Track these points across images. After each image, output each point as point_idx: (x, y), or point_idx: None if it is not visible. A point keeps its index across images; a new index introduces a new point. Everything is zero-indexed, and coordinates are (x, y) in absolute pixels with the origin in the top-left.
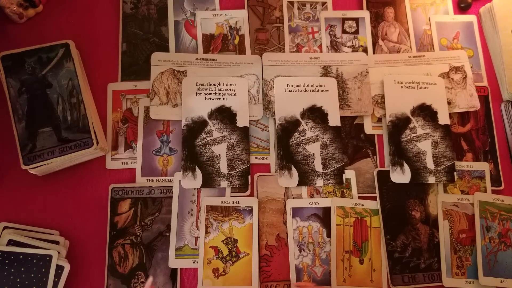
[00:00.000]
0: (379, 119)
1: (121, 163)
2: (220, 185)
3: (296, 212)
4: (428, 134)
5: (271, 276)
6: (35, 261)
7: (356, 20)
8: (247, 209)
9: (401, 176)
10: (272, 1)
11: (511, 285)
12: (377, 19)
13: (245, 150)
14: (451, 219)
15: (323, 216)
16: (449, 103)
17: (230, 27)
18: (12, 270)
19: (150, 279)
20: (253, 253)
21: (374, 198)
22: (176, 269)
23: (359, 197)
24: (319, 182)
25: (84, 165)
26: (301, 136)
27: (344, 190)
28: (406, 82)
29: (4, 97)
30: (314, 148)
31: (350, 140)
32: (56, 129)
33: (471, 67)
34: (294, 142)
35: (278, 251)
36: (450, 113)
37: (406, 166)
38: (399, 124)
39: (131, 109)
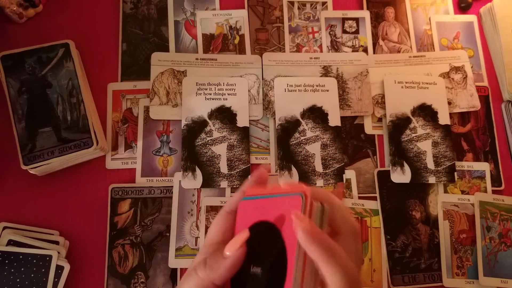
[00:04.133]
0: (379, 119)
1: (121, 163)
2: (220, 185)
3: None
4: (429, 134)
5: None
6: (35, 261)
7: (356, 20)
8: None
9: (401, 176)
10: (272, 1)
11: (511, 286)
12: (377, 19)
13: (245, 150)
14: (451, 219)
15: None
16: (449, 103)
17: (230, 27)
18: (12, 270)
19: None
20: None
21: (374, 198)
22: (176, 269)
23: (359, 197)
24: (319, 182)
25: (84, 165)
26: (301, 136)
27: (344, 190)
28: (406, 82)
29: (4, 97)
30: (314, 148)
31: (350, 140)
32: (56, 129)
33: (472, 67)
34: (294, 142)
35: None
36: (450, 113)
37: (406, 166)
38: (400, 124)
39: (131, 109)
